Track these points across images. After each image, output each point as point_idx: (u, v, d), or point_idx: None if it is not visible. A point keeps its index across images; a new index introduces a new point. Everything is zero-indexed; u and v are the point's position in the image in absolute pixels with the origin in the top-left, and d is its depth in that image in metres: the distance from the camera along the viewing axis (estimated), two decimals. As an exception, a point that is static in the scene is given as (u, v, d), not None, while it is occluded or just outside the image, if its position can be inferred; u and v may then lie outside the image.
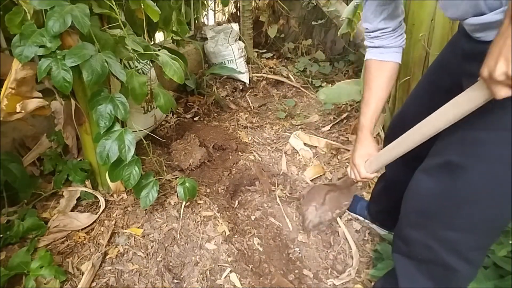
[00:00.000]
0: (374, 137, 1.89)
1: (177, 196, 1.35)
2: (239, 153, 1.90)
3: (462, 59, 0.79)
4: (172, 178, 1.58)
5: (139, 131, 1.37)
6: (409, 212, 0.88)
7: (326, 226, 1.38)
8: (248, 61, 2.82)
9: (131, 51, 1.18)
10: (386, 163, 1.00)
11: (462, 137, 0.73)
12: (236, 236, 1.35)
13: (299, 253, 1.32)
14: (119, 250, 1.22)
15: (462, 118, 0.70)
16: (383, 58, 1.01)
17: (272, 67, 2.98)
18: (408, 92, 1.67)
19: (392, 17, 0.96)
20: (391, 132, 1.13)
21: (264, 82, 2.77)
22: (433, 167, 0.80)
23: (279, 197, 1.59)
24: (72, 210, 1.35)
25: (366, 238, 1.38)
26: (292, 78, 2.87)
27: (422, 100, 1.00)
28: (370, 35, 1.01)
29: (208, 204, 1.47)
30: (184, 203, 1.40)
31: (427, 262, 0.83)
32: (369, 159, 1.04)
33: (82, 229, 1.28)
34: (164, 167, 1.66)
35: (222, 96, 2.46)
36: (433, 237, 0.80)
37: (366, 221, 1.43)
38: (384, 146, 1.20)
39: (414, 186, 0.85)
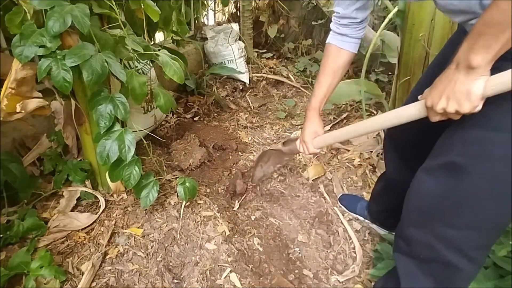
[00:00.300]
0: (374, 137, 1.90)
1: (177, 196, 1.35)
2: (239, 153, 1.90)
3: None
4: (172, 178, 1.58)
5: (139, 131, 1.37)
6: (410, 212, 0.88)
7: (268, 177, 1.66)
8: (248, 61, 2.82)
9: (131, 51, 1.18)
10: (331, 143, 1.27)
11: (464, 138, 0.73)
12: (236, 236, 1.35)
13: (299, 253, 1.32)
14: (119, 250, 1.22)
15: (463, 119, 0.71)
16: (343, 46, 1.05)
17: (272, 67, 2.98)
18: (408, 92, 1.67)
19: (364, 8, 0.98)
20: (392, 130, 1.14)
21: (264, 82, 2.77)
22: (435, 167, 0.80)
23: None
24: (72, 210, 1.35)
25: (366, 238, 1.38)
26: (292, 78, 2.87)
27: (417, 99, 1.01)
28: (339, 21, 1.03)
29: (208, 204, 1.47)
30: (184, 203, 1.40)
31: (429, 261, 0.84)
32: (317, 137, 1.15)
33: (82, 229, 1.28)
34: (164, 167, 1.66)
35: (222, 96, 2.46)
36: (434, 236, 0.80)
37: (366, 221, 1.43)
38: (384, 145, 1.20)
39: (416, 186, 0.85)
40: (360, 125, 0.99)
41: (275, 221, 1.46)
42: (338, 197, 1.57)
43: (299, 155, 1.86)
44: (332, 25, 1.07)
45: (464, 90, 0.63)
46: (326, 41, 1.11)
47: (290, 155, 1.55)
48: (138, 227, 1.32)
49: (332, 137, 1.13)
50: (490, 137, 0.69)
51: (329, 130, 2.12)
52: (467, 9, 0.69)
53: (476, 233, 0.75)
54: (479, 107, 0.64)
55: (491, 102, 0.67)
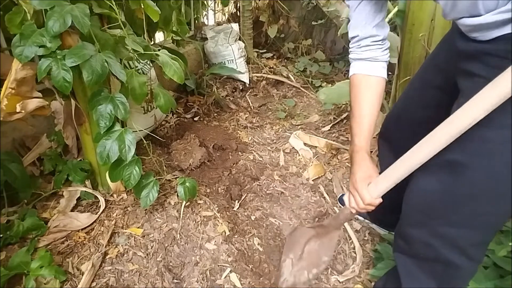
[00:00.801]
0: (374, 137, 1.90)
1: (177, 196, 1.35)
2: (239, 153, 1.90)
3: (457, 57, 0.79)
4: (172, 178, 1.58)
5: (139, 131, 1.37)
6: (409, 211, 0.88)
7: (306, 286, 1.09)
8: (248, 61, 2.82)
9: (131, 51, 1.18)
10: (396, 183, 0.85)
11: (464, 136, 0.73)
12: (236, 236, 1.35)
13: (299, 253, 1.32)
14: (119, 250, 1.22)
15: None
16: (372, 73, 0.92)
17: (272, 67, 2.98)
18: (408, 92, 1.67)
19: (383, 25, 0.92)
20: (385, 130, 1.15)
21: (264, 82, 2.77)
22: (434, 166, 0.80)
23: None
24: (72, 210, 1.35)
25: (366, 238, 1.38)
26: (292, 78, 2.87)
27: (413, 96, 1.01)
28: (359, 44, 0.92)
29: (208, 204, 1.47)
30: (184, 203, 1.40)
31: (428, 260, 0.84)
32: (372, 182, 0.89)
33: (82, 229, 1.28)
34: (164, 167, 1.66)
35: (222, 96, 2.46)
36: (434, 235, 0.80)
37: (366, 221, 1.43)
38: (378, 144, 1.17)
39: (415, 186, 0.85)
40: (423, 148, 0.77)
41: (275, 221, 1.46)
42: (338, 197, 1.57)
43: (299, 155, 1.86)
44: (352, 55, 0.96)
45: None
46: (349, 75, 0.98)
47: (328, 242, 1.07)
48: (138, 227, 1.32)
49: (393, 177, 0.85)
50: (490, 135, 0.69)
51: (329, 130, 2.12)
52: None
53: (475, 230, 0.76)
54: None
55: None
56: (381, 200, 0.88)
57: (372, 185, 0.89)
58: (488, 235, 0.79)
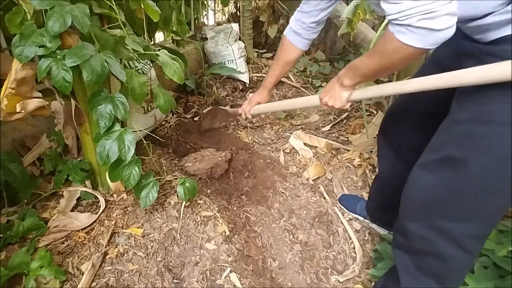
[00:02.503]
0: (374, 137, 1.90)
1: (177, 196, 1.35)
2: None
3: (458, 56, 0.80)
4: (172, 179, 1.58)
5: (139, 131, 1.36)
6: (407, 206, 0.90)
7: (213, 129, 1.96)
8: (248, 61, 2.82)
9: (131, 51, 1.18)
10: (263, 112, 1.73)
11: (462, 132, 0.75)
12: (236, 236, 1.35)
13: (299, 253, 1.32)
14: (119, 250, 1.22)
15: (460, 114, 0.74)
16: (297, 44, 1.27)
17: (272, 67, 2.97)
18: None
19: (327, 7, 1.14)
20: (385, 126, 1.16)
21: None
22: (432, 162, 0.81)
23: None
24: (72, 210, 1.35)
25: (366, 238, 1.38)
26: (292, 78, 2.87)
27: (413, 93, 1.02)
28: (300, 22, 1.22)
29: (208, 204, 1.47)
30: (184, 203, 1.40)
31: (426, 255, 0.85)
32: (256, 106, 1.52)
33: (82, 229, 1.28)
34: (164, 168, 1.66)
35: (222, 96, 2.46)
36: (431, 229, 0.82)
37: (366, 220, 1.43)
38: (378, 142, 1.23)
39: (412, 181, 0.87)
40: (290, 102, 1.50)
41: (275, 221, 1.46)
42: (338, 197, 1.57)
43: (299, 155, 1.86)
44: (292, 20, 1.25)
45: (338, 96, 1.02)
46: (284, 33, 1.31)
47: (233, 117, 1.89)
48: (138, 227, 1.32)
49: (266, 108, 1.52)
50: (488, 130, 0.70)
51: (329, 130, 2.12)
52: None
53: (472, 223, 0.78)
54: (347, 107, 1.04)
55: (489, 96, 0.68)
56: (253, 113, 1.58)
57: (255, 107, 1.53)
58: (484, 228, 0.80)
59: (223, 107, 1.88)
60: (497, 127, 0.69)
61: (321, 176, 1.72)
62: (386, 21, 1.67)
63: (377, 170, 1.71)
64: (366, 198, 1.51)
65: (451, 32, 0.64)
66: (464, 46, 0.78)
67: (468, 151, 0.73)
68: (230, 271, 1.19)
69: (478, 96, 0.72)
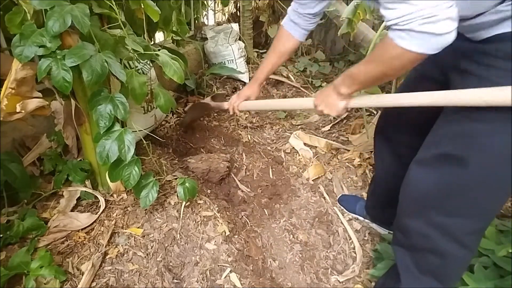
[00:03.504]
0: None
1: (177, 196, 1.35)
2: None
3: (453, 54, 0.81)
4: (172, 179, 1.58)
5: (139, 131, 1.36)
6: (406, 203, 0.91)
7: (194, 122, 2.00)
8: (248, 61, 2.82)
9: (131, 51, 1.18)
10: (253, 109, 1.65)
11: (459, 130, 0.76)
12: (236, 236, 1.35)
13: (299, 253, 1.32)
14: (119, 250, 1.22)
15: (459, 112, 0.74)
16: (294, 34, 1.23)
17: (272, 67, 2.97)
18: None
19: (319, 13, 1.14)
20: (382, 123, 1.17)
21: (264, 82, 2.77)
22: (430, 159, 0.82)
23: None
24: (72, 210, 1.34)
25: (366, 238, 1.39)
26: (292, 78, 2.87)
27: (410, 88, 1.03)
28: (297, 8, 1.15)
29: (208, 204, 1.47)
30: (184, 203, 1.40)
31: (425, 251, 0.86)
32: (246, 102, 1.42)
33: (82, 229, 1.28)
34: (164, 168, 1.66)
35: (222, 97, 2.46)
36: (430, 225, 0.82)
37: (366, 220, 1.43)
38: (374, 141, 1.23)
39: (410, 178, 0.88)
40: (282, 102, 1.45)
41: (275, 221, 1.46)
42: (338, 198, 1.57)
43: (299, 155, 1.86)
44: (289, 10, 1.20)
45: (334, 104, 1.00)
46: (281, 22, 1.26)
47: (215, 109, 1.82)
48: (138, 227, 1.31)
49: (256, 105, 1.44)
50: (486, 128, 0.71)
51: (329, 130, 2.12)
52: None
53: (469, 219, 0.78)
54: (343, 115, 1.12)
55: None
56: (241, 109, 1.47)
57: (244, 103, 1.42)
58: (482, 223, 0.81)
59: (203, 101, 1.87)
60: (489, 125, 0.70)
61: (321, 176, 1.72)
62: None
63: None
64: (366, 198, 1.52)
65: (453, 36, 0.64)
66: (458, 45, 0.79)
67: (464, 148, 0.74)
68: (230, 271, 1.19)
69: None
